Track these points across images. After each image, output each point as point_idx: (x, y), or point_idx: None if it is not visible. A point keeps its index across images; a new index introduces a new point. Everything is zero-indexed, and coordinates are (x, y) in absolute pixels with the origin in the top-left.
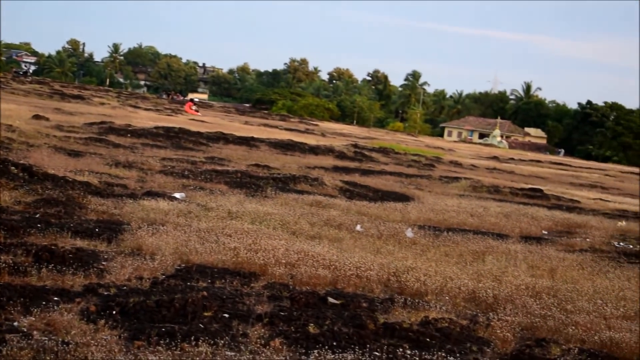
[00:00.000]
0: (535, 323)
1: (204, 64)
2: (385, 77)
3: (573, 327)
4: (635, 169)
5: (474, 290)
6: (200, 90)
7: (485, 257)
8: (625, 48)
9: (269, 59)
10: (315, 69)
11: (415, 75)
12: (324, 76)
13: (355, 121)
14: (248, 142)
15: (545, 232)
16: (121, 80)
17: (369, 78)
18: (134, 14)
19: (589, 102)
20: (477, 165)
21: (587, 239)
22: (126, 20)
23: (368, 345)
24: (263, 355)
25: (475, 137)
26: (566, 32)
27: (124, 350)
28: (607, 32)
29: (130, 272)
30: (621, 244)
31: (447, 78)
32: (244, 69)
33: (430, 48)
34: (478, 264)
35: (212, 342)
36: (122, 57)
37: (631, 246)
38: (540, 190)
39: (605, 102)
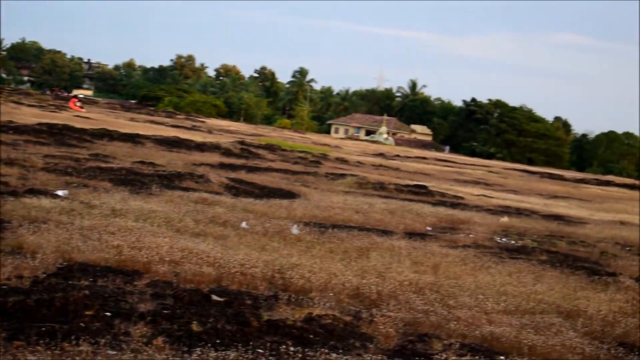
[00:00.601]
0: (418, 318)
1: (89, 59)
2: (273, 74)
3: (455, 322)
4: (518, 166)
5: (358, 286)
6: (85, 86)
7: (369, 253)
8: (509, 45)
9: (155, 55)
10: (202, 65)
11: (302, 72)
12: (211, 73)
13: (242, 118)
14: (133, 139)
15: (430, 228)
16: (4, 76)
17: (256, 75)
18: (17, 9)
19: (473, 100)
20: (363, 162)
21: (470, 235)
22: (8, 15)
23: (251, 343)
24: (145, 353)
25: (361, 134)
26: (450, 29)
27: (3, 350)
28: (491, 29)
29: (10, 271)
30: (503, 239)
31: (334, 75)
32: (130, 65)
33: (317, 45)
34: (362, 260)
35: (93, 341)
36: (4, 53)
37: (513, 242)
38: (425, 187)
39: (490, 100)
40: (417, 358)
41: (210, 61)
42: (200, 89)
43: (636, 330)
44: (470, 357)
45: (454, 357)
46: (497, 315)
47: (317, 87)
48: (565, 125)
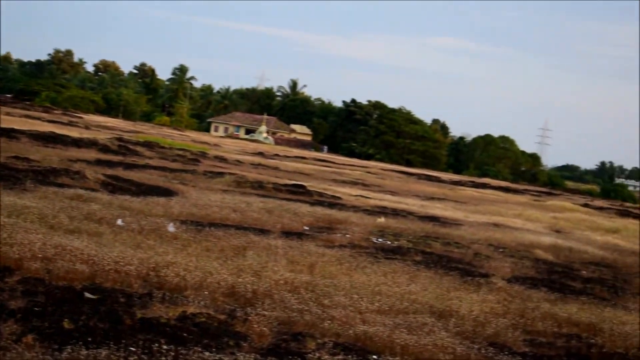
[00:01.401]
0: (293, 317)
1: None
2: (153, 71)
3: (329, 322)
4: (397, 167)
5: (234, 285)
6: None
7: (246, 252)
8: (388, 47)
9: (32, 49)
10: (81, 60)
11: (182, 70)
12: (90, 68)
13: (121, 115)
14: (8, 133)
15: (307, 228)
16: None
17: (136, 71)
18: None
19: (353, 101)
20: (242, 160)
21: (347, 235)
22: None
23: (124, 341)
24: (14, 351)
25: (241, 133)
26: (332, 30)
27: None
28: (371, 31)
29: None
30: (379, 240)
31: (214, 73)
32: (6, 59)
33: (198, 42)
34: (239, 259)
35: None
36: None
37: (389, 242)
38: (303, 187)
39: (369, 101)
40: (290, 357)
41: (89, 57)
42: (79, 84)
43: (506, 330)
44: (344, 356)
45: (327, 356)
46: (371, 315)
47: (197, 85)
48: (443, 128)
